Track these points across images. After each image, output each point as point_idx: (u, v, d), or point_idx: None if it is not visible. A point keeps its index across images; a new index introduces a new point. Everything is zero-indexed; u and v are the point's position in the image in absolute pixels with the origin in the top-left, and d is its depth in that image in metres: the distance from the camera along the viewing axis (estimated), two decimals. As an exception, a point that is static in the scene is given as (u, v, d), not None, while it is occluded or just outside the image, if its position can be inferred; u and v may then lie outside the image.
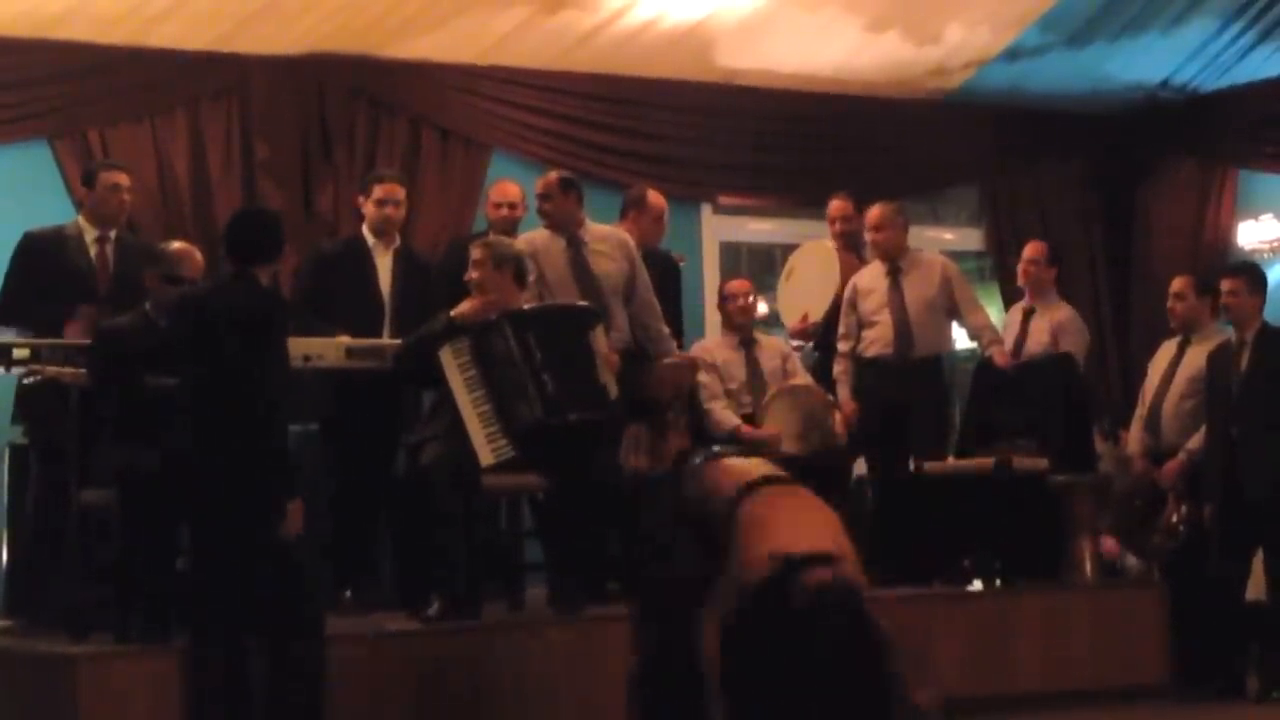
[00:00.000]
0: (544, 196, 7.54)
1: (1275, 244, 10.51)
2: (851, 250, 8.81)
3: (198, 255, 6.71)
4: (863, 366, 8.44)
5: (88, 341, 6.65)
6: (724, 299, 8.52)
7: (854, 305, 8.48)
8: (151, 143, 8.73)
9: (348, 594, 7.50)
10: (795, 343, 8.81)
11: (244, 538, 5.77)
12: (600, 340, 6.93)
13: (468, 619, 6.59)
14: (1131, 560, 8.68)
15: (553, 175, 7.67)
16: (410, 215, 8.45)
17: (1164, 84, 10.77)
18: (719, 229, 10.34)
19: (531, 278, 7.15)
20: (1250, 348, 7.68)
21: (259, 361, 5.80)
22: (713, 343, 8.62)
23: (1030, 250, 8.84)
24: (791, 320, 8.87)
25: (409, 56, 9.20)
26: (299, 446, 6.92)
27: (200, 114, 8.84)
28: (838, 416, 8.17)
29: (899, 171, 10.41)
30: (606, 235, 7.61)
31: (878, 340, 8.39)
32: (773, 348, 8.47)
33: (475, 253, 6.91)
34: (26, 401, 7.09)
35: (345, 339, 7.27)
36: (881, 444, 8.34)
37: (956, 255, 9.89)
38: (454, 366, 6.65)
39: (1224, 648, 7.66)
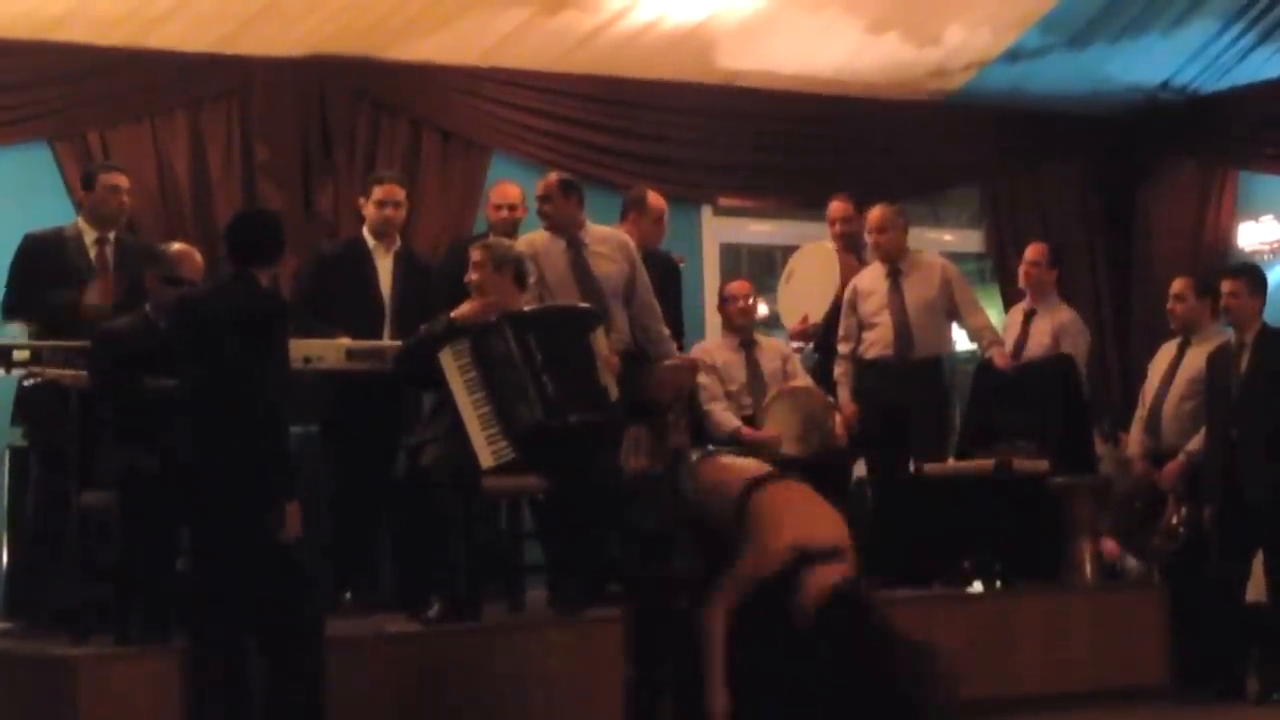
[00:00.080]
0: (544, 198, 7.54)
1: (1275, 245, 10.51)
2: (852, 252, 8.81)
3: (197, 256, 6.72)
4: (863, 368, 8.44)
5: (90, 338, 6.64)
6: (724, 300, 8.52)
7: (854, 307, 8.48)
8: (152, 144, 8.73)
9: (348, 595, 7.50)
10: (795, 344, 8.81)
11: (244, 539, 5.77)
12: (600, 342, 6.94)
13: (468, 621, 6.60)
14: (1131, 562, 8.68)
15: (553, 177, 7.66)
16: (411, 217, 8.45)
17: (1164, 85, 10.77)
18: (719, 230, 10.35)
19: (532, 279, 7.15)
20: (1250, 349, 7.68)
21: (259, 363, 5.80)
22: (713, 344, 8.62)
23: (1031, 252, 8.84)
24: (791, 322, 8.87)
25: (410, 58, 9.20)
26: (299, 448, 6.93)
27: (201, 115, 8.84)
28: (838, 418, 8.17)
29: (899, 173, 10.41)
30: (607, 237, 7.61)
31: (878, 342, 8.40)
32: (773, 349, 8.47)
33: (475, 254, 6.92)
34: (25, 403, 7.10)
35: (345, 341, 7.27)
36: (881, 445, 8.34)
37: (957, 257, 9.88)
38: (454, 368, 6.66)
39: (1224, 649, 7.66)
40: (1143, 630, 7.86)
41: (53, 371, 6.70)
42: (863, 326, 8.46)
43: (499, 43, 9.26)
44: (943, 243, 10.72)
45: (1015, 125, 10.80)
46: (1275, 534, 7.53)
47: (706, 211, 10.26)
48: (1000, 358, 8.41)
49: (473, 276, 6.85)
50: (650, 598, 5.45)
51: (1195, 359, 8.02)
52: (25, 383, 6.93)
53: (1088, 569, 8.06)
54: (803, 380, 8.34)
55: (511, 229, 8.12)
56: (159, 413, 6.08)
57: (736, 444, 7.81)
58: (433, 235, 9.06)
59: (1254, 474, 7.51)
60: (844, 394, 8.41)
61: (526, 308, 6.95)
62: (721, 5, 9.29)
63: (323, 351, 7.13)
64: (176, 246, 6.80)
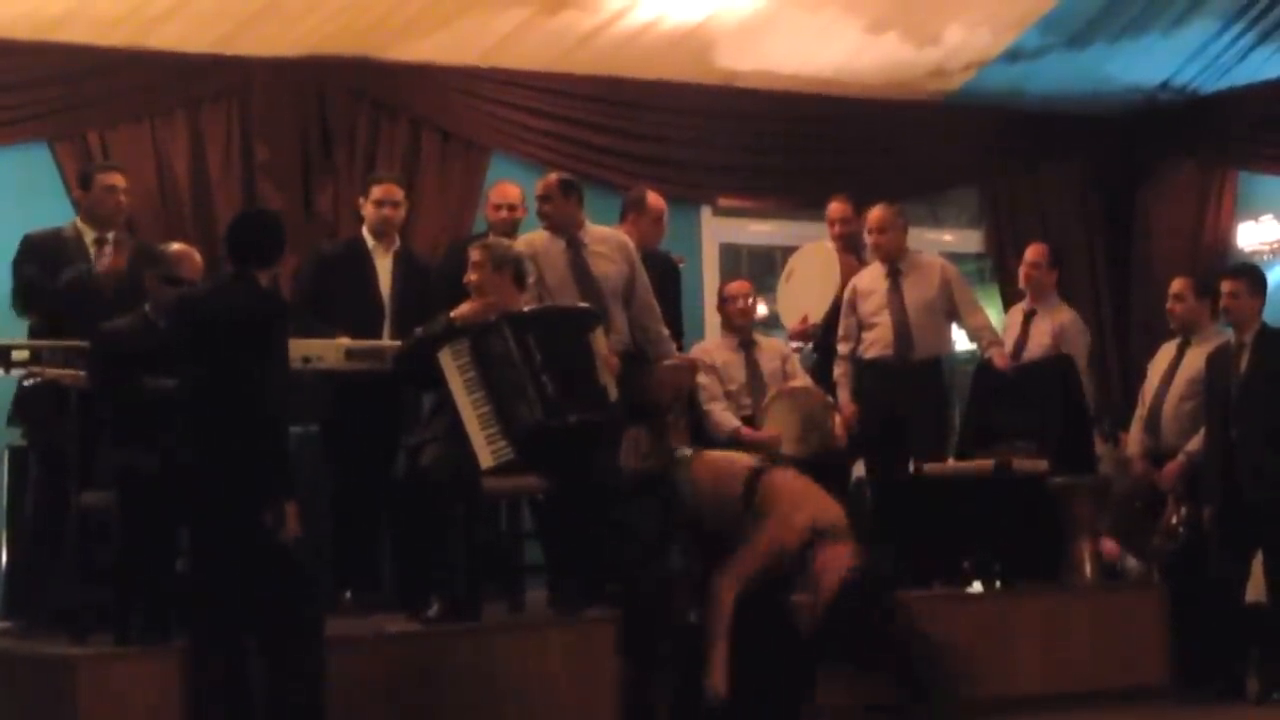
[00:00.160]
0: (544, 198, 7.54)
1: (1275, 245, 10.51)
2: (851, 252, 8.81)
3: (197, 256, 6.71)
4: (862, 368, 8.44)
5: (91, 338, 6.64)
6: (724, 301, 8.52)
7: (854, 307, 8.48)
8: (151, 144, 8.73)
9: (348, 595, 7.50)
10: (795, 344, 8.80)
11: (244, 539, 5.76)
12: (600, 342, 6.93)
13: (468, 621, 6.60)
14: (1131, 562, 8.67)
15: (553, 177, 7.66)
16: (410, 217, 8.46)
17: (1164, 85, 10.77)
18: (719, 231, 10.35)
19: (531, 279, 7.15)
20: (1249, 349, 7.68)
21: (258, 363, 5.80)
22: (712, 344, 8.62)
23: (1031, 253, 8.84)
24: (791, 322, 8.87)
25: (409, 58, 9.20)
26: (299, 448, 6.93)
27: (200, 115, 8.84)
28: (837, 418, 8.17)
29: (899, 173, 10.42)
30: (606, 237, 7.61)
31: (877, 342, 8.40)
32: (772, 349, 8.47)
33: (475, 254, 6.91)
34: (24, 403, 7.09)
35: (345, 341, 7.27)
36: (881, 446, 8.34)
37: (956, 257, 9.89)
38: (453, 368, 6.65)
39: (1224, 649, 7.66)
40: (1142, 630, 7.86)
41: (52, 371, 6.70)
42: (862, 327, 8.46)
43: (498, 43, 9.26)
44: (942, 243, 10.72)
45: (1015, 125, 10.80)
46: (1275, 534, 7.53)
47: (706, 212, 10.27)
48: (1000, 358, 8.41)
49: (472, 277, 6.84)
50: (646, 598, 5.46)
51: (1195, 359, 8.02)
52: (25, 383, 6.93)
53: (1087, 569, 8.06)
54: (802, 380, 8.33)
55: (511, 229, 8.12)
56: (158, 413, 6.07)
57: (736, 444, 7.80)
58: (432, 235, 9.06)
59: (1253, 474, 7.51)
60: (843, 394, 8.41)
61: (526, 308, 6.94)
62: (721, 5, 9.29)
63: (322, 351, 7.14)
64: (176, 246, 6.79)
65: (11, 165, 8.48)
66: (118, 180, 7.55)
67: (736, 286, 8.57)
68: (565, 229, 7.48)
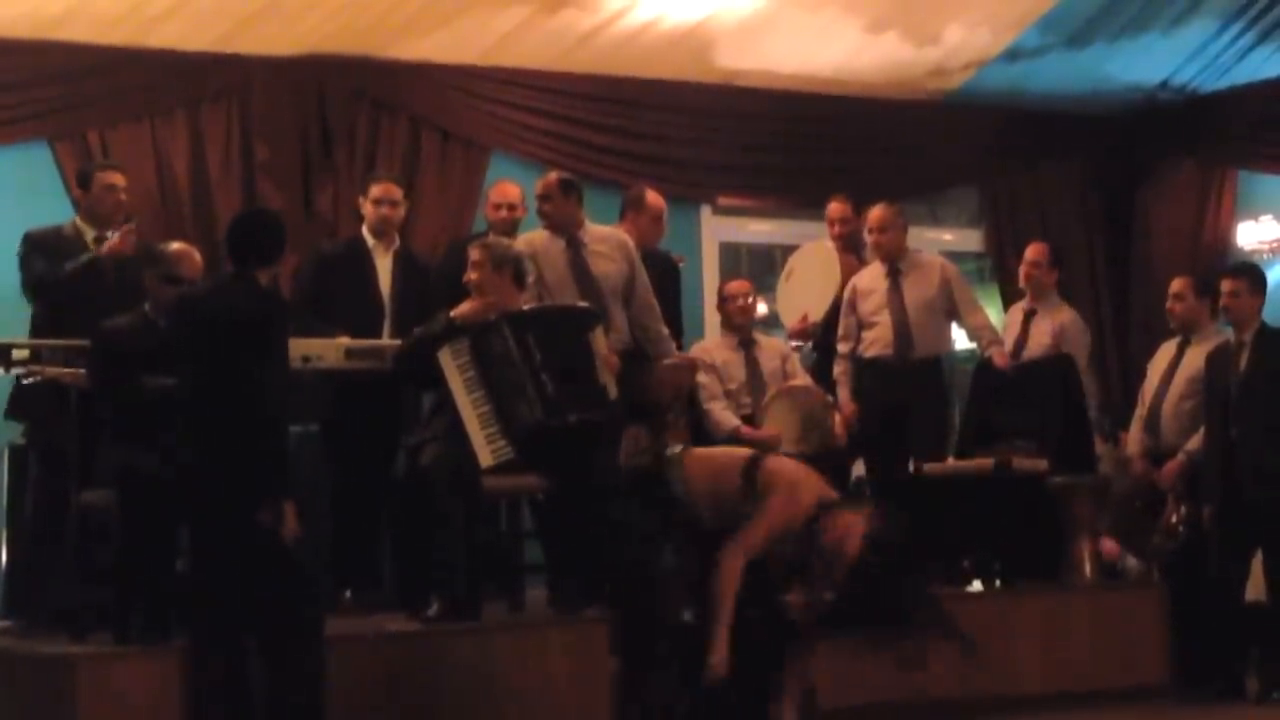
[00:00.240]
0: (544, 197, 7.54)
1: (1275, 245, 10.51)
2: (851, 251, 8.81)
3: (196, 255, 6.71)
4: (862, 367, 8.44)
5: (91, 336, 6.64)
6: (723, 300, 8.52)
7: (853, 306, 8.49)
8: (151, 143, 8.73)
9: (348, 595, 7.50)
10: (795, 343, 8.81)
11: (244, 539, 5.76)
12: (600, 341, 6.93)
13: (467, 620, 6.59)
14: (1131, 561, 8.67)
15: (552, 176, 7.66)
16: (410, 216, 8.46)
17: (1164, 85, 10.77)
18: (718, 230, 10.35)
19: (531, 279, 7.15)
20: (1249, 348, 7.68)
21: (258, 362, 5.79)
22: (712, 343, 8.62)
23: (1032, 252, 8.84)
24: (791, 321, 8.87)
25: (409, 57, 9.20)
26: (299, 447, 6.93)
27: (200, 115, 8.84)
28: (837, 418, 8.17)
29: (899, 172, 10.42)
30: (606, 236, 7.60)
31: (877, 341, 8.40)
32: (772, 348, 8.47)
33: (474, 254, 6.91)
34: (21, 400, 7.08)
35: (345, 340, 7.27)
36: (881, 445, 8.34)
37: (956, 256, 9.89)
38: (453, 367, 6.65)
39: (1224, 649, 7.66)
40: (1142, 630, 7.86)
41: (52, 370, 6.71)
42: (862, 326, 8.46)
43: (498, 42, 9.26)
44: (942, 242, 10.72)
45: (1014, 125, 10.80)
46: (1275, 533, 7.53)
47: (706, 211, 10.27)
48: (1000, 357, 8.41)
49: (472, 276, 6.84)
50: (640, 597, 5.45)
51: (1195, 358, 8.02)
52: (25, 381, 6.92)
53: (1087, 568, 8.07)
54: (802, 379, 8.34)
55: (511, 228, 8.12)
56: (158, 412, 6.07)
57: (736, 443, 7.79)
58: (432, 235, 9.06)
59: (1253, 473, 7.51)
60: (843, 393, 8.42)
61: (525, 307, 6.94)
62: (721, 5, 9.29)
63: (322, 351, 7.13)
64: (176, 246, 6.79)
65: (12, 164, 8.48)
66: (117, 179, 7.56)
67: (736, 286, 8.57)
68: (565, 228, 7.48)
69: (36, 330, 7.27)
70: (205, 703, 5.84)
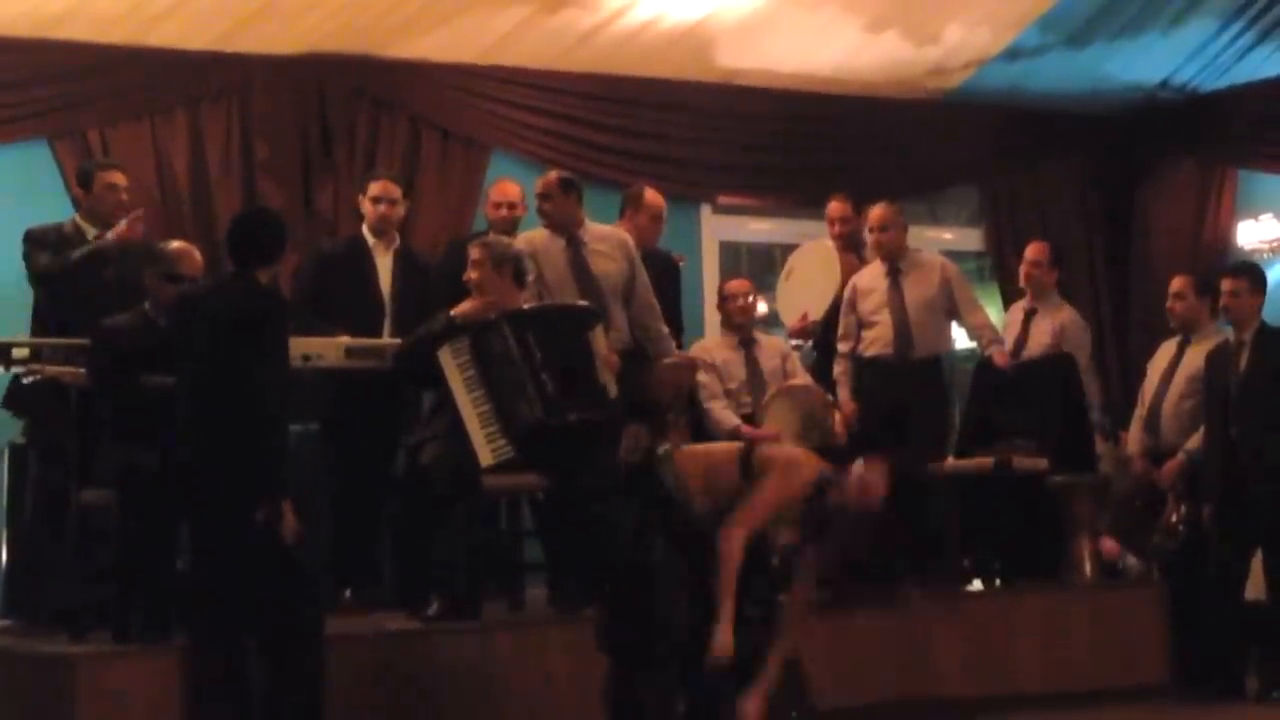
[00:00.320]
0: (544, 196, 7.53)
1: (1275, 244, 10.51)
2: (851, 250, 8.81)
3: (197, 254, 6.71)
4: (862, 367, 8.43)
5: (91, 335, 6.64)
6: (723, 299, 8.52)
7: (853, 305, 8.48)
8: (151, 142, 8.73)
9: (348, 594, 7.51)
10: (795, 342, 8.81)
11: (243, 537, 5.76)
12: (599, 340, 6.92)
13: (467, 619, 6.60)
14: (1131, 560, 8.67)
15: (552, 175, 7.66)
16: (410, 215, 8.46)
17: (1163, 84, 10.77)
18: (718, 229, 10.35)
19: (531, 278, 7.14)
20: (1249, 348, 7.68)
21: (258, 361, 5.79)
22: (712, 342, 8.61)
23: (1032, 252, 8.84)
24: (791, 320, 8.87)
25: (409, 56, 9.20)
26: (299, 446, 6.92)
27: (200, 114, 8.84)
28: (837, 417, 8.16)
29: (898, 171, 10.42)
30: (606, 235, 7.60)
31: (877, 340, 8.39)
32: (772, 347, 8.47)
33: (474, 253, 6.90)
34: (19, 397, 7.08)
35: (345, 339, 7.27)
36: (881, 444, 8.32)
37: (956, 255, 9.88)
38: (453, 366, 6.65)
39: (1223, 648, 7.66)
40: (1142, 629, 7.86)
41: (52, 369, 6.70)
42: (862, 325, 8.45)
43: (498, 41, 9.26)
44: (942, 241, 10.72)
45: (1014, 124, 10.80)
46: (1274, 532, 7.53)
47: (706, 210, 10.27)
48: (1000, 356, 8.40)
49: (472, 275, 6.83)
50: (630, 594, 5.44)
51: (1195, 358, 8.03)
52: (24, 380, 6.92)
53: (1087, 567, 8.07)
54: (802, 379, 8.33)
55: (511, 227, 8.12)
56: (158, 411, 6.06)
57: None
58: (432, 233, 9.05)
59: (1253, 472, 7.51)
60: (843, 392, 8.41)
61: (525, 306, 6.94)
62: (720, 4, 9.29)
63: (322, 349, 7.12)
64: (176, 244, 6.79)
65: (11, 163, 8.48)
66: (119, 179, 7.57)
67: (736, 285, 8.57)
68: (565, 227, 7.47)
69: (38, 323, 7.28)
70: (205, 702, 5.84)
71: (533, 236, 7.53)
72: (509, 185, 8.43)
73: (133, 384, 6.28)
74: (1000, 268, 10.77)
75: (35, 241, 7.38)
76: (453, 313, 6.75)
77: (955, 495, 8.02)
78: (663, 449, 5.62)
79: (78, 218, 7.56)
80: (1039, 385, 8.31)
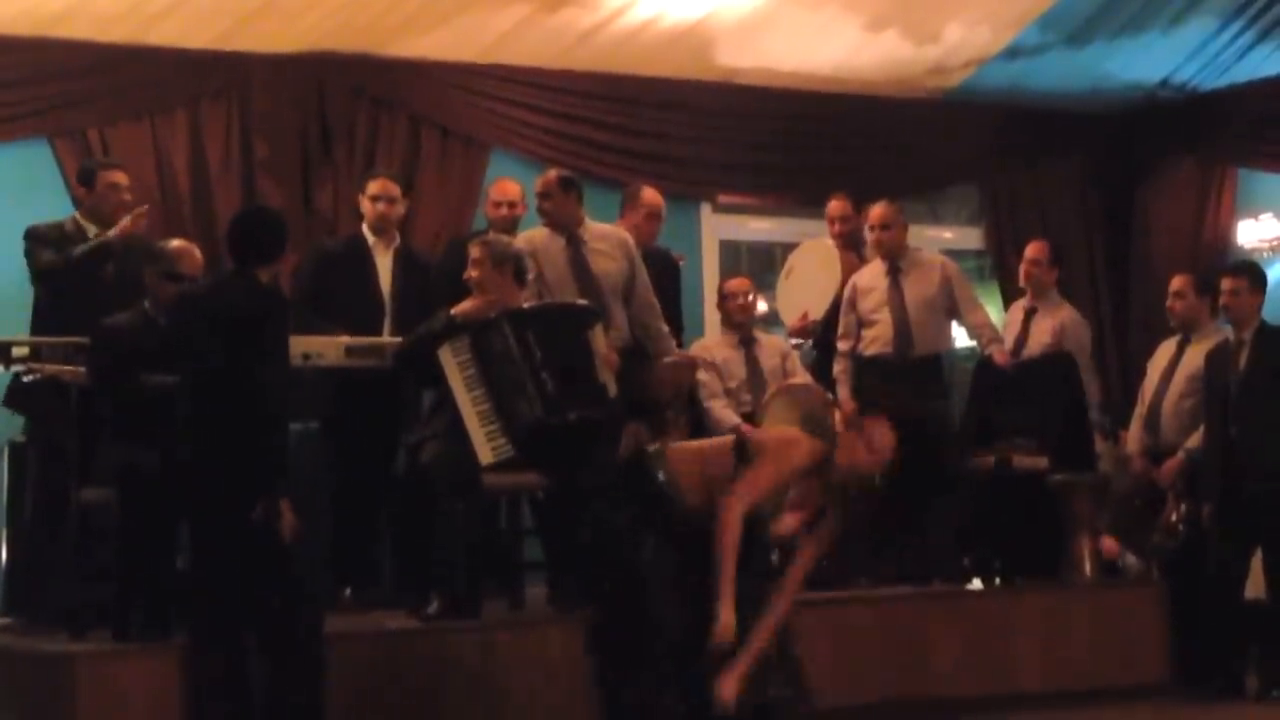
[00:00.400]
0: (544, 195, 7.54)
1: (1275, 243, 10.51)
2: (851, 249, 8.81)
3: (197, 253, 6.71)
4: (862, 366, 8.43)
5: (91, 334, 6.64)
6: (723, 298, 8.52)
7: (853, 304, 8.48)
8: (151, 141, 8.73)
9: (348, 592, 7.50)
10: (795, 341, 8.81)
11: (243, 536, 5.76)
12: (599, 339, 6.92)
13: (467, 617, 6.60)
14: (1131, 559, 8.67)
15: (552, 174, 7.66)
16: (410, 214, 8.47)
17: (1163, 83, 10.77)
18: (718, 227, 10.35)
19: (531, 276, 7.14)
20: (1249, 347, 7.68)
21: (258, 360, 5.79)
22: (712, 341, 8.61)
23: (1032, 250, 8.84)
24: (791, 319, 8.87)
25: (409, 55, 9.20)
26: (299, 445, 6.91)
27: (200, 112, 8.84)
28: (837, 416, 8.15)
29: (899, 170, 10.42)
30: (606, 234, 7.60)
31: (877, 339, 8.40)
32: (772, 346, 8.47)
33: (474, 251, 6.90)
34: (19, 395, 7.08)
35: (345, 337, 7.27)
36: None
37: (956, 254, 9.89)
38: (453, 365, 6.65)
39: (1223, 647, 7.66)
40: (1142, 628, 7.85)
41: (52, 368, 6.70)
42: (862, 324, 8.46)
43: (498, 40, 9.26)
44: (942, 240, 10.72)
45: (1014, 123, 10.80)
46: (1274, 531, 7.53)
47: (706, 209, 10.27)
48: (1000, 355, 8.40)
49: (472, 273, 6.83)
50: (621, 593, 5.43)
51: (1194, 357, 8.02)
52: (25, 378, 6.92)
53: (1087, 566, 8.06)
54: (802, 377, 8.33)
55: (511, 226, 8.12)
56: (158, 409, 6.07)
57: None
58: (432, 232, 9.06)
59: (1253, 471, 7.51)
60: (843, 391, 8.41)
61: (525, 305, 6.94)
62: (720, 2, 9.29)
63: (322, 348, 7.13)
64: (176, 243, 6.80)
65: (11, 162, 8.48)
66: (121, 178, 7.58)
67: (736, 283, 8.57)
68: (565, 226, 7.47)
69: (39, 320, 7.28)
70: (205, 700, 5.84)
71: (533, 235, 7.53)
72: (509, 184, 8.43)
73: (133, 383, 6.28)
74: (1000, 267, 10.77)
75: (37, 239, 7.39)
76: (453, 311, 6.75)
77: (955, 494, 8.01)
78: (653, 446, 5.60)
79: (78, 216, 7.57)
80: (1039, 384, 8.31)
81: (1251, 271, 7.95)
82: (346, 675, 6.09)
